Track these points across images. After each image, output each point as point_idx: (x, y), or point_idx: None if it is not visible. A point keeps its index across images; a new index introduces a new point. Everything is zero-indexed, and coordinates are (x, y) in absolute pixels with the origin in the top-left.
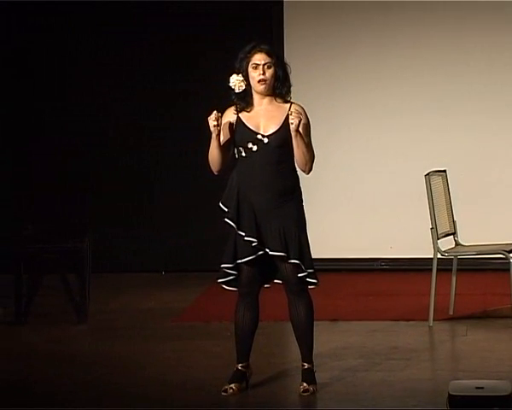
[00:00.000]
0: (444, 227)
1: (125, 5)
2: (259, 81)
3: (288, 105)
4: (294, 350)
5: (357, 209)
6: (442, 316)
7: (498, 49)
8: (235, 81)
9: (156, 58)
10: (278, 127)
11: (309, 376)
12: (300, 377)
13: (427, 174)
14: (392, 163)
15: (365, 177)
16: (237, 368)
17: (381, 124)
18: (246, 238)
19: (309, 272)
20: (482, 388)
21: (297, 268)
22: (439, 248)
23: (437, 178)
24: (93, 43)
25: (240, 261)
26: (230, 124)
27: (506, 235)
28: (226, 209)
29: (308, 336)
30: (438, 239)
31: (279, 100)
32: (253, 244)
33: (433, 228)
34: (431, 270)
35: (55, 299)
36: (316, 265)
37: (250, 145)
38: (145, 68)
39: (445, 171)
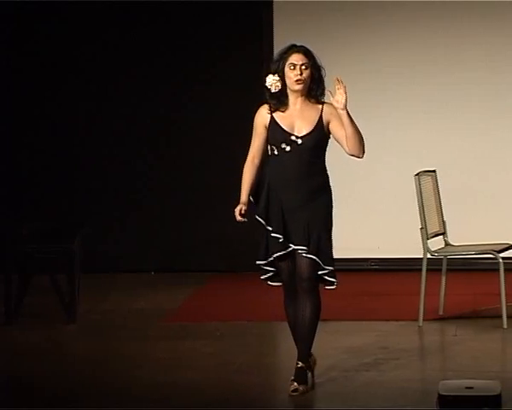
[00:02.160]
0: (433, 227)
1: (108, 5)
2: (297, 81)
3: (321, 106)
4: (286, 350)
5: (347, 210)
6: (432, 316)
7: (486, 49)
8: (272, 81)
9: (147, 58)
10: (312, 128)
11: (301, 375)
12: (293, 375)
13: (417, 174)
14: (381, 163)
15: (355, 177)
16: (297, 365)
17: (371, 125)
18: (273, 234)
19: (328, 271)
20: (472, 388)
21: (313, 265)
22: (428, 248)
23: (426, 179)
24: (84, 42)
25: (272, 257)
26: (264, 124)
27: (496, 235)
28: (257, 213)
29: (310, 336)
30: (427, 239)
31: (313, 101)
32: (280, 240)
33: (423, 228)
34: (421, 270)
35: (45, 299)
36: None
37: (283, 145)
38: (137, 67)
39: (434, 171)
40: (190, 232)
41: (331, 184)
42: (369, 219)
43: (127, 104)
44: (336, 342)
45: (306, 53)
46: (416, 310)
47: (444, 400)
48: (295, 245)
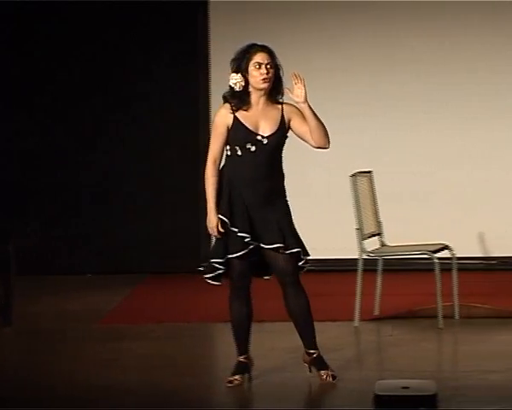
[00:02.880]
0: (369, 228)
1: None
2: (263, 80)
3: (281, 106)
4: (222, 351)
5: None
6: (368, 316)
7: (428, 49)
8: (236, 80)
9: (82, 59)
10: (276, 128)
11: (324, 362)
12: (313, 366)
13: (353, 175)
14: (317, 164)
15: (290, 178)
16: (239, 360)
17: None
18: (239, 234)
19: (306, 260)
20: (408, 387)
21: (295, 258)
22: (364, 248)
23: (362, 179)
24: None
25: (231, 256)
26: (227, 124)
27: (431, 235)
28: (218, 212)
29: (312, 325)
30: (363, 240)
31: (273, 100)
32: (246, 240)
33: (359, 229)
34: (357, 270)
35: None
36: None
37: (248, 145)
38: (75, 67)
39: (370, 172)
40: (126, 234)
41: None
42: (305, 221)
43: (61, 105)
44: (272, 343)
45: (270, 52)
46: (351, 310)
47: (380, 400)
48: (268, 244)
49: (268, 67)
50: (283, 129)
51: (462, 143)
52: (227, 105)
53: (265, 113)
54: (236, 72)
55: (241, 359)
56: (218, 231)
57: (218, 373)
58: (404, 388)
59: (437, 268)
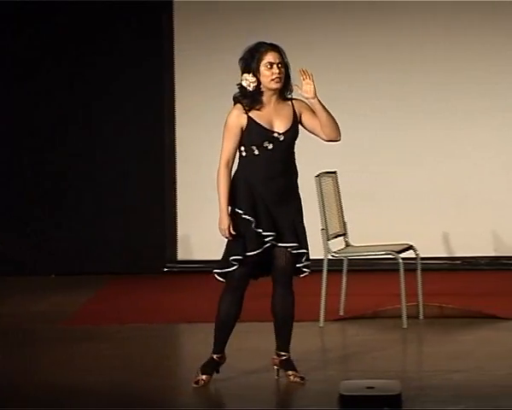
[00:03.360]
0: (334, 228)
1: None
2: (275, 79)
3: (290, 102)
4: (187, 352)
5: None
6: (333, 317)
7: (377, 46)
8: (249, 80)
9: (49, 58)
10: (291, 124)
11: (292, 364)
12: (281, 368)
13: (318, 175)
14: None
15: None
16: (212, 358)
17: None
18: (264, 233)
19: (307, 263)
20: (373, 387)
21: (295, 259)
22: (329, 248)
23: (327, 179)
24: None
25: (249, 254)
26: (241, 125)
27: (396, 235)
28: (241, 211)
29: (291, 327)
30: (328, 240)
31: (283, 98)
32: (269, 239)
33: (324, 229)
34: (322, 271)
35: None
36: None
37: (266, 144)
38: (41, 67)
39: (335, 172)
40: (90, 235)
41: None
42: None
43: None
44: (238, 344)
45: (280, 51)
46: (317, 311)
47: (344, 400)
48: (284, 243)
49: (279, 66)
50: (296, 124)
51: (425, 143)
52: (239, 106)
53: (278, 110)
54: (248, 72)
55: (215, 357)
56: (229, 232)
57: (183, 374)
58: (368, 388)
59: (401, 268)
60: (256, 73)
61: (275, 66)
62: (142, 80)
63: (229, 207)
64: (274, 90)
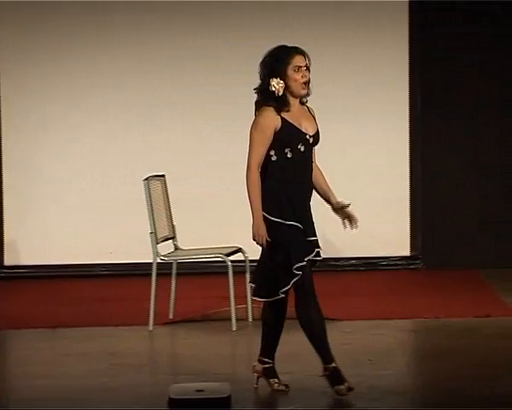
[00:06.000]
0: (163, 231)
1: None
2: (304, 83)
3: (305, 106)
4: (13, 359)
5: (75, 215)
6: (162, 320)
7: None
8: (279, 85)
9: None
10: (316, 126)
11: (276, 372)
12: (264, 376)
13: (146, 179)
14: (109, 168)
15: (83, 183)
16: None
17: (98, 129)
18: (309, 238)
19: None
20: (202, 390)
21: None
22: (158, 252)
23: (156, 183)
24: None
25: (309, 258)
26: (275, 127)
27: (226, 238)
28: (284, 221)
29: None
30: (157, 243)
31: (301, 101)
32: (314, 242)
33: (153, 232)
34: (151, 274)
35: None
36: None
37: (299, 146)
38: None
39: (163, 176)
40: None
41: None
42: (99, 225)
43: None
44: (67, 349)
45: (306, 55)
46: (146, 315)
47: (174, 403)
48: (318, 248)
49: (305, 69)
50: (318, 128)
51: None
52: (270, 108)
53: (302, 113)
54: (276, 76)
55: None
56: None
57: (10, 380)
58: (198, 391)
59: (230, 271)
60: (284, 77)
61: (302, 69)
62: None
63: (273, 218)
64: (301, 93)
